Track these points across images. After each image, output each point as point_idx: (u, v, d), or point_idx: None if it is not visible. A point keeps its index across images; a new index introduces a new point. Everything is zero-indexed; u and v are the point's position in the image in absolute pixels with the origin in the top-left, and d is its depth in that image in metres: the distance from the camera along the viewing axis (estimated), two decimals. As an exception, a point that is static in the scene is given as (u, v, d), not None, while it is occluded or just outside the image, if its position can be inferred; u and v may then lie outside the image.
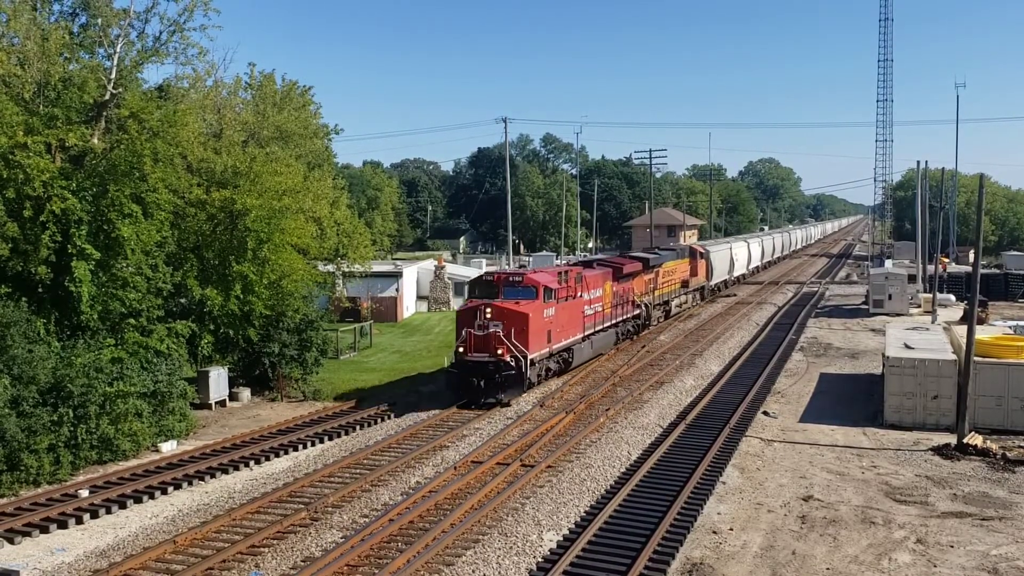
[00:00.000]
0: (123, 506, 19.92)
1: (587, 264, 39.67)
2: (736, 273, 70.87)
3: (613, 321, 37.51)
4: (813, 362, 37.43)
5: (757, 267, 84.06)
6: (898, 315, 50.18)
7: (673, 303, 49.46)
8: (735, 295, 64.61)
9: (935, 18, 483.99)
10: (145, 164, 26.17)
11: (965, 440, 23.27)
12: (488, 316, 28.13)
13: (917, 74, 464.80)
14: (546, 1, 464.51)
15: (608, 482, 20.76)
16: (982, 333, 27.83)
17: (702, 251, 57.84)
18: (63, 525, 18.59)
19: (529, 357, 28.09)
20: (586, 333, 34.00)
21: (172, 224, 29.11)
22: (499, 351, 27.74)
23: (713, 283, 61.25)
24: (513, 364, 27.73)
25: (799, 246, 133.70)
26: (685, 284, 52.04)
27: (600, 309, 35.59)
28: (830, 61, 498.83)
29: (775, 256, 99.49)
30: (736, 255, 69.92)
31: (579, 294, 33.01)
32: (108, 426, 22.82)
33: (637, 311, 41.39)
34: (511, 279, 29.77)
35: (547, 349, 30.03)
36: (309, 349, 33.01)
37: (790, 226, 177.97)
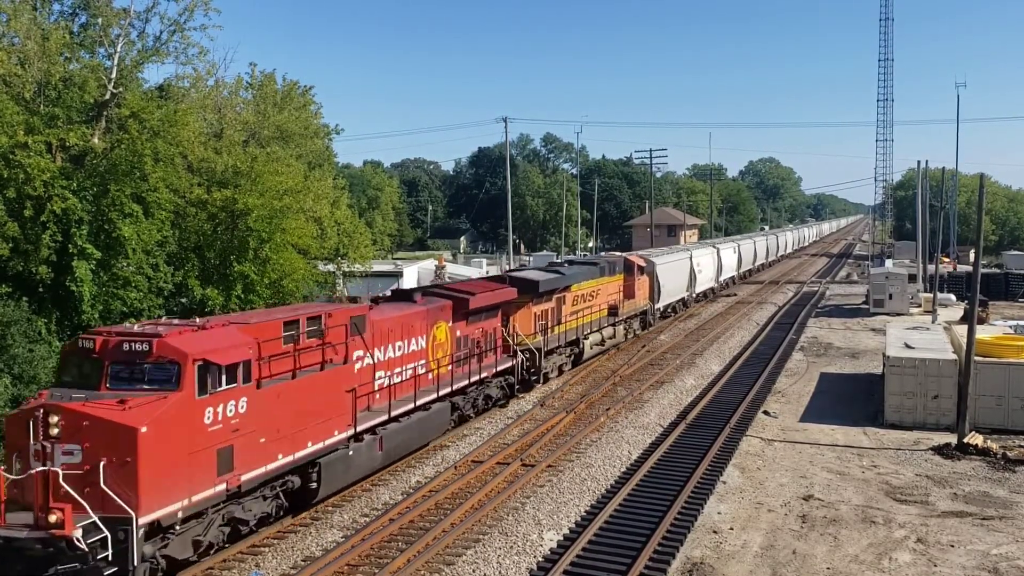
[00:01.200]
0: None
1: (401, 296, 24.44)
2: (700, 288, 57.48)
3: (450, 388, 23.35)
4: (813, 362, 37.44)
5: (732, 278, 70.59)
6: (898, 315, 50.18)
7: (588, 341, 34.88)
8: (735, 295, 64.59)
9: (935, 17, 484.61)
10: (146, 164, 26.19)
11: (965, 440, 23.28)
12: (53, 433, 13.52)
13: (917, 74, 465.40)
14: (546, 0, 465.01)
15: (608, 482, 20.78)
16: (982, 333, 27.83)
17: (642, 264, 43.38)
18: (64, 525, 18.49)
19: (143, 520, 13.58)
20: (367, 425, 19.29)
21: (173, 224, 29.13)
22: (55, 515, 12.90)
23: (661, 305, 47.22)
24: (85, 545, 12.90)
25: (791, 249, 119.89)
26: (613, 311, 37.90)
27: (419, 370, 22.14)
28: (830, 61, 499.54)
29: (757, 264, 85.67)
30: (699, 266, 56.29)
31: (349, 356, 18.66)
32: (109, 426, 22.77)
33: (509, 363, 27.65)
34: (128, 345, 14.68)
35: (215, 488, 15.10)
36: (309, 348, 32.98)
37: (789, 226, 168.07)
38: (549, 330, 31.12)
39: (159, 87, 32.57)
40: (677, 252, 54.54)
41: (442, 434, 23.73)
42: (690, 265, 53.92)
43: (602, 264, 38.46)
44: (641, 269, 42.87)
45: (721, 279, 64.92)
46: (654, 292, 45.27)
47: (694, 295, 55.99)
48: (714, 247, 64.23)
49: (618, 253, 48.97)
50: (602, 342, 37.03)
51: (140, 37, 29.44)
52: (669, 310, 50.43)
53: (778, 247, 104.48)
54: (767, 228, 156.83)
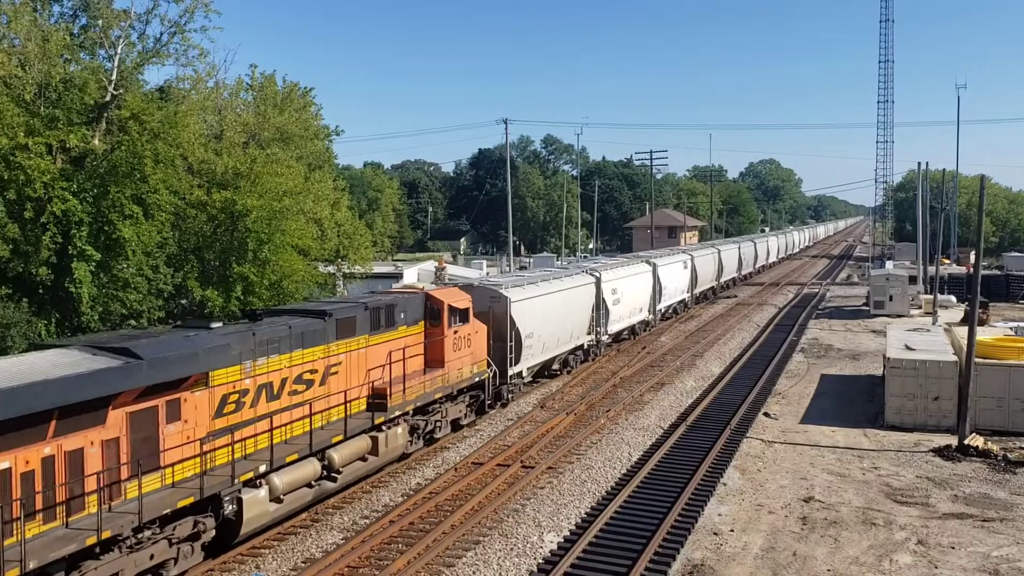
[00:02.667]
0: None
1: None
2: (618, 326, 39.25)
3: None
4: (814, 363, 37.40)
5: (683, 302, 52.87)
6: (899, 316, 50.16)
7: (263, 491, 16.56)
8: (735, 296, 64.55)
9: (937, 18, 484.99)
10: (146, 165, 26.23)
11: (966, 441, 23.26)
12: None
13: (919, 75, 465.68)
14: (546, 2, 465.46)
15: (609, 483, 20.76)
16: (983, 334, 27.80)
17: (464, 304, 24.79)
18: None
19: None
20: None
21: (173, 225, 29.16)
22: None
23: (526, 366, 29.30)
24: None
25: (775, 259, 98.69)
26: (379, 401, 20.42)
27: None
28: (831, 62, 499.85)
29: (725, 279, 67.10)
30: (615, 293, 38.15)
31: None
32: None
33: None
34: None
35: None
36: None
37: (778, 230, 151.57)
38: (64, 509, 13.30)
39: (159, 89, 32.60)
40: (568, 276, 34.70)
41: None
42: (595, 293, 35.77)
43: (346, 312, 19.80)
44: (463, 314, 24.37)
45: (660, 306, 46.70)
46: (509, 346, 27.36)
47: (605, 335, 37.50)
48: (649, 263, 45.36)
49: (413, 289, 25.68)
50: (329, 473, 18.54)
51: (140, 39, 29.52)
52: (556, 366, 32.97)
53: (756, 256, 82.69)
54: (767, 230, 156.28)
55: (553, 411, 27.80)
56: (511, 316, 27.69)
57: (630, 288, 40.74)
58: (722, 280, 66.05)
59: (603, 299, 36.62)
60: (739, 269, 72.95)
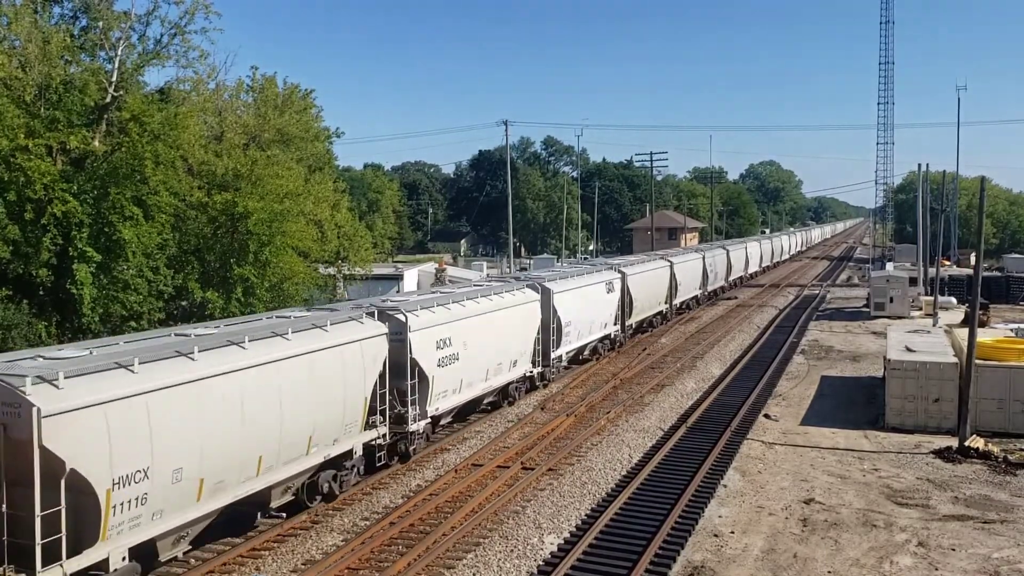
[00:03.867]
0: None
1: None
2: (453, 400, 23.98)
3: None
4: (814, 365, 37.39)
5: (608, 337, 37.88)
6: (899, 318, 50.15)
7: None
8: (735, 297, 64.54)
9: (939, 19, 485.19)
10: (146, 167, 26.27)
11: (966, 443, 23.25)
12: None
13: (920, 77, 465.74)
14: (547, 4, 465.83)
15: (609, 485, 20.75)
16: (983, 336, 27.80)
17: None
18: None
19: None
20: None
21: (173, 227, 29.18)
22: None
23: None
24: None
25: (757, 267, 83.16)
26: None
27: None
28: (832, 63, 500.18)
29: (681, 299, 51.69)
30: (446, 347, 22.91)
31: None
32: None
33: None
34: None
35: None
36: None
37: (776, 233, 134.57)
38: None
39: (160, 90, 32.65)
40: (309, 331, 17.95)
41: None
42: (385, 354, 20.25)
43: None
44: None
45: (559, 352, 31.96)
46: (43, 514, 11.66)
47: (422, 419, 22.32)
48: (537, 289, 30.22)
49: None
50: None
51: (141, 40, 29.62)
52: (278, 503, 17.55)
53: (729, 267, 66.80)
54: (767, 231, 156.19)
55: (553, 412, 27.80)
56: (42, 459, 11.78)
57: (489, 332, 25.72)
58: (677, 301, 50.53)
59: (414, 360, 21.56)
60: (703, 285, 57.93)
